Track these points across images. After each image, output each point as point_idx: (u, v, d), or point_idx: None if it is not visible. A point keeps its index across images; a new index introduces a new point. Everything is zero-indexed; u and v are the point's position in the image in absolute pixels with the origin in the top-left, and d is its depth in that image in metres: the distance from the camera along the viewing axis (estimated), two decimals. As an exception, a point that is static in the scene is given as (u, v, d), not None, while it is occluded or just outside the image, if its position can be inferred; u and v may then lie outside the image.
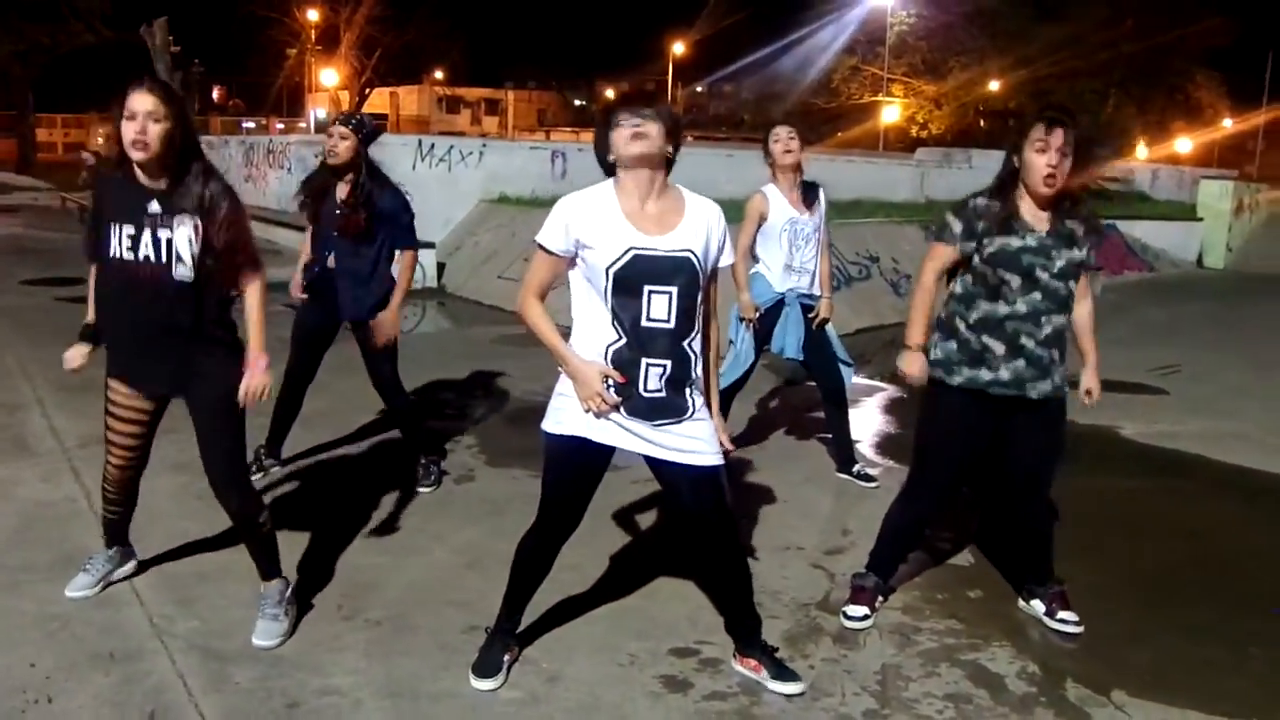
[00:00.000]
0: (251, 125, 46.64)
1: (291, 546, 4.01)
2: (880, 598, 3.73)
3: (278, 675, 3.16)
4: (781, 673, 3.17)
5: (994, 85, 37.99)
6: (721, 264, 3.01)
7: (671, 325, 2.85)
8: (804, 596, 3.83)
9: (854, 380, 5.28)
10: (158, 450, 4.93)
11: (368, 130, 4.65)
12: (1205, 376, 8.17)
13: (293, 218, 11.44)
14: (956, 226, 3.41)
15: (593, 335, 2.91)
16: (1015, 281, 3.35)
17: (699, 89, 61.34)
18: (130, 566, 3.77)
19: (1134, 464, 5.80)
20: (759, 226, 4.89)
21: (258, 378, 3.28)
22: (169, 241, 3.12)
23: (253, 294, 3.33)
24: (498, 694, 3.10)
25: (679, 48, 51.37)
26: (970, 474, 3.75)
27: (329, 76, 37.62)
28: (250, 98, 51.54)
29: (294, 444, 5.35)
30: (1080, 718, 3.09)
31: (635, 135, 2.80)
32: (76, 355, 3.39)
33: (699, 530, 3.15)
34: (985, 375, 3.41)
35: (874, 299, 10.24)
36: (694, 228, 2.89)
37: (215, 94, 53.80)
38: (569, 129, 52.60)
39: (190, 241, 3.13)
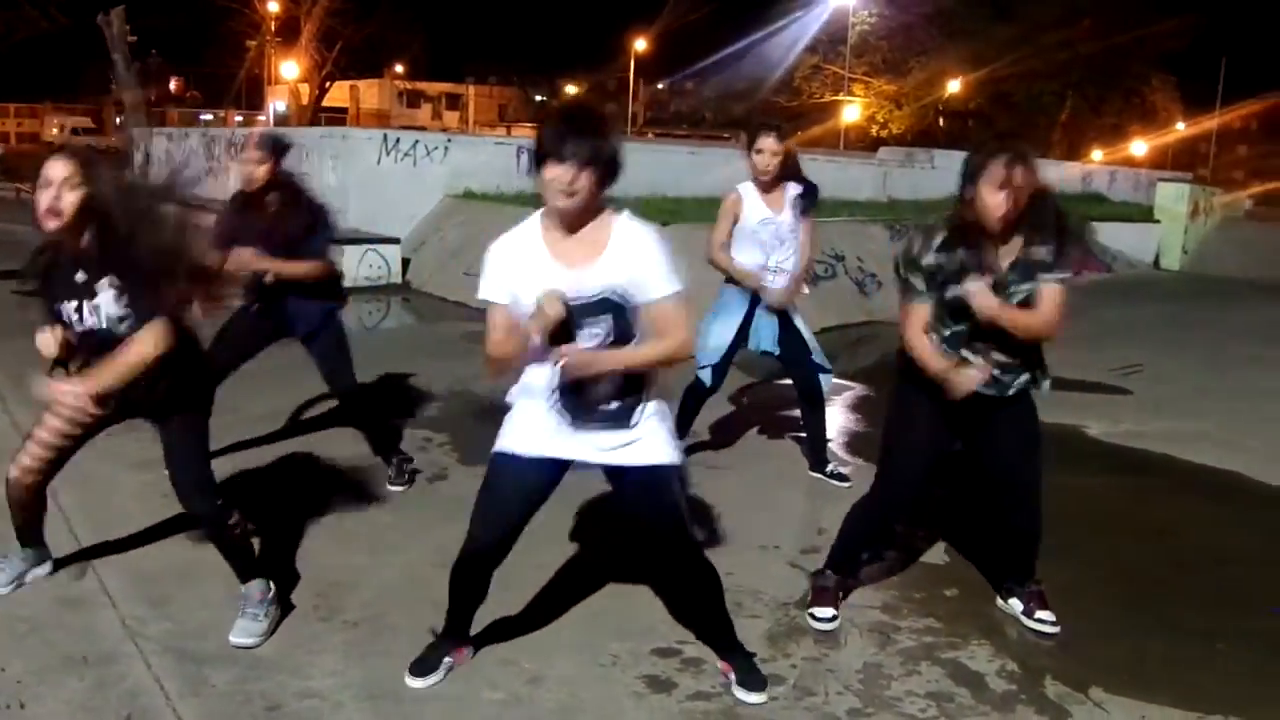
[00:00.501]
0: (209, 117, 46.02)
1: (263, 547, 3.97)
2: (842, 594, 3.74)
3: (255, 678, 3.12)
4: (747, 679, 3.15)
5: (954, 85, 38.35)
6: (657, 296, 2.77)
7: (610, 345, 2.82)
8: (783, 596, 3.84)
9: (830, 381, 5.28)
10: (124, 447, 4.89)
11: (282, 147, 4.58)
12: (1166, 377, 8.29)
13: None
14: (920, 284, 3.36)
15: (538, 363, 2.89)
16: (974, 319, 3.34)
17: (660, 86, 61.41)
18: (45, 568, 3.71)
19: (1101, 463, 5.87)
20: (733, 224, 4.88)
21: (68, 388, 3.11)
22: (98, 308, 3.12)
23: (144, 337, 3.10)
24: (480, 694, 3.08)
25: (641, 44, 51.34)
26: (943, 476, 3.76)
27: (289, 69, 37.22)
28: (208, 89, 50.88)
29: (259, 442, 5.33)
30: (1060, 715, 3.12)
31: (561, 193, 2.66)
32: (50, 341, 3.23)
33: (657, 539, 3.10)
34: None
35: (840, 298, 10.29)
36: (616, 262, 2.76)
37: (173, 85, 53.02)
38: (530, 124, 52.41)
39: (115, 302, 3.11)
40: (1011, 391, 3.42)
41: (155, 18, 30.97)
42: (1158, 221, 17.32)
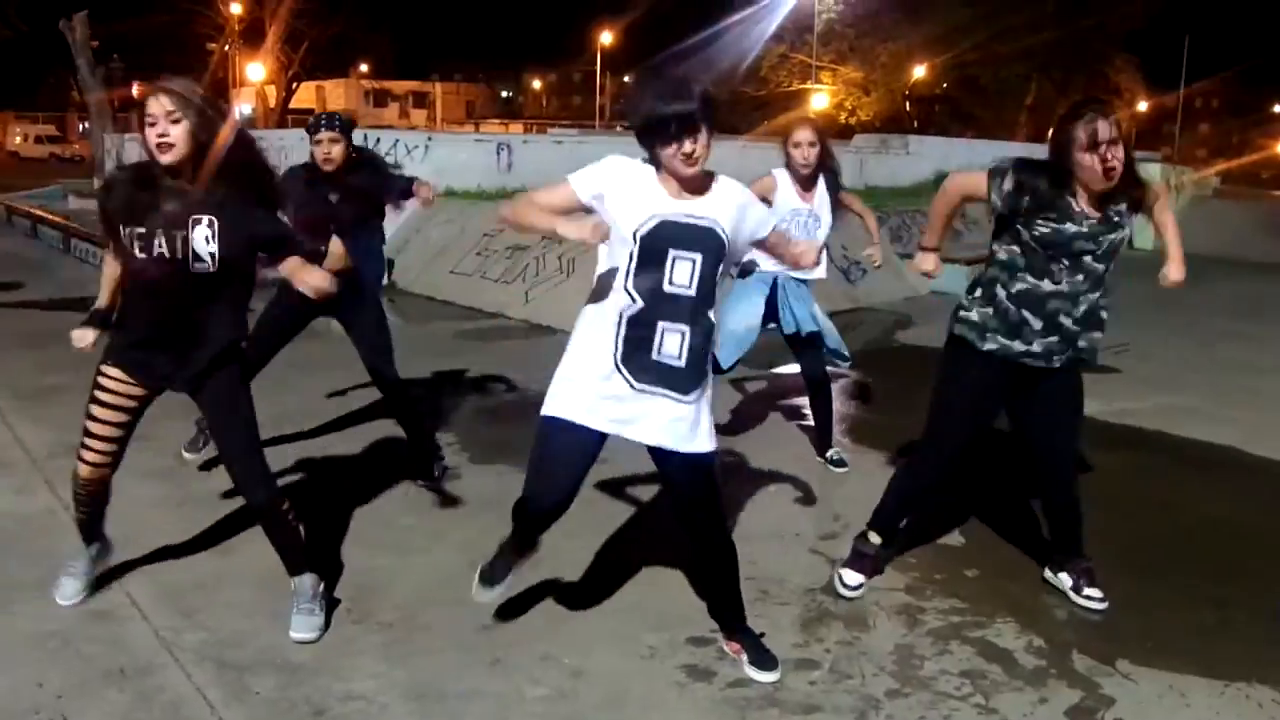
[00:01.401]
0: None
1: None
2: (877, 572, 3.80)
3: (297, 683, 3.13)
4: (760, 659, 3.22)
5: (920, 71, 38.53)
6: (761, 234, 3.00)
7: (693, 292, 2.84)
8: (808, 582, 3.89)
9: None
10: (135, 458, 4.87)
11: (349, 125, 4.72)
12: (1152, 354, 8.41)
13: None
14: (1009, 183, 3.39)
15: (609, 301, 2.89)
16: (1064, 263, 3.38)
17: (626, 79, 61.31)
18: (109, 556, 3.74)
19: (1099, 440, 5.93)
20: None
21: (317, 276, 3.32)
22: (186, 240, 3.10)
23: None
24: (524, 691, 3.11)
25: (607, 38, 51.25)
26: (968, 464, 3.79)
27: (254, 71, 36.88)
28: (170, 94, 50.28)
29: (269, 445, 5.32)
30: (1091, 688, 3.20)
31: (689, 160, 2.76)
32: (85, 335, 3.36)
33: (690, 520, 3.16)
34: (1019, 346, 3.46)
35: (826, 286, 10.24)
36: (722, 201, 2.87)
37: (135, 90, 52.45)
38: (497, 120, 52.28)
39: (207, 240, 3.11)
40: (1059, 365, 3.48)
41: (116, 23, 30.63)
42: (1130, 200, 17.50)
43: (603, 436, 2.99)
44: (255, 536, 4.16)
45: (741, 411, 6.31)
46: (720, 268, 2.89)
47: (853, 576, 3.71)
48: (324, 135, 4.52)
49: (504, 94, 66.91)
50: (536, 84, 65.97)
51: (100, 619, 3.52)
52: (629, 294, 2.85)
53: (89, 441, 3.37)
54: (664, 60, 50.38)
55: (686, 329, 2.86)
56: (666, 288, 2.84)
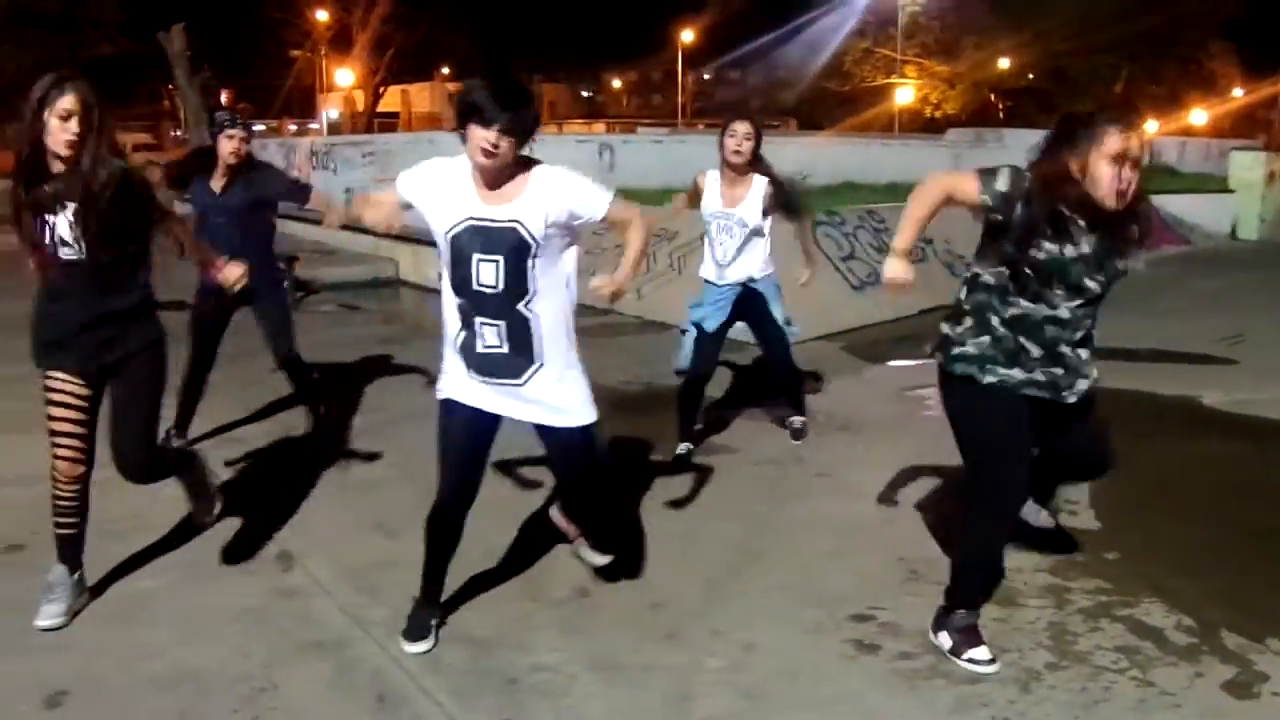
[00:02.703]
0: (262, 128, 46.76)
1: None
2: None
3: (486, 655, 3.36)
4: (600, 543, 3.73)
5: (1005, 63, 37.96)
6: (588, 216, 3.09)
7: (500, 290, 3.05)
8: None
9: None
10: (291, 448, 5.20)
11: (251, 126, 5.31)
12: (1268, 344, 8.31)
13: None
14: (1003, 184, 3.04)
15: (446, 294, 3.17)
16: (1061, 291, 3.08)
17: (706, 76, 61.29)
18: (85, 597, 3.66)
19: (1222, 431, 5.96)
20: (694, 200, 5.08)
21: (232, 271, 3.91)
22: (53, 226, 3.29)
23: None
24: (703, 662, 3.31)
25: (688, 35, 51.23)
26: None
27: (344, 76, 37.79)
28: (256, 100, 51.56)
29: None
30: (1245, 664, 3.29)
31: (485, 152, 2.90)
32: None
33: (568, 489, 3.48)
34: (1019, 375, 3.16)
35: (931, 280, 10.33)
36: (531, 199, 2.99)
37: (224, 97, 53.86)
38: (580, 120, 52.56)
39: (71, 226, 3.29)
40: (1071, 399, 3.21)
41: (205, 32, 31.64)
42: (1233, 191, 17.14)
43: (489, 421, 3.26)
44: (416, 521, 4.42)
45: (869, 402, 6.43)
46: (531, 263, 3.04)
47: (980, 652, 3.26)
48: (236, 133, 4.99)
49: (584, 93, 67.28)
50: (616, 83, 66.14)
51: (287, 596, 3.79)
52: (454, 289, 3.13)
53: (57, 440, 3.49)
54: (743, 57, 50.26)
55: (501, 324, 3.11)
56: (475, 286, 3.07)
